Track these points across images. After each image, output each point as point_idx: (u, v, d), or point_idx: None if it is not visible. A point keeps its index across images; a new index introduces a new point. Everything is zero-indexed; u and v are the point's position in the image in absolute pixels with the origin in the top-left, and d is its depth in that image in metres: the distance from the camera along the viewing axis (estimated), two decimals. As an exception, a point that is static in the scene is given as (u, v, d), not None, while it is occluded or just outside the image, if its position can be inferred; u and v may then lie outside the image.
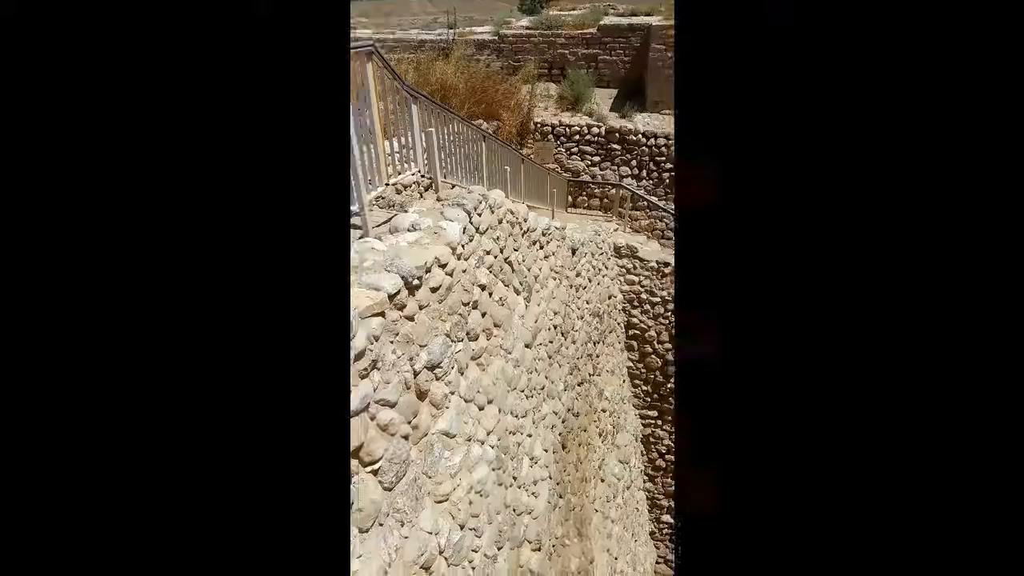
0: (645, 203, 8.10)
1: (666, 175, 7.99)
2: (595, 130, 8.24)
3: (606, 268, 7.09)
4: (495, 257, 3.53)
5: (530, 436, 3.93)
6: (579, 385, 5.68)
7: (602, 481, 6.29)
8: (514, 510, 3.49)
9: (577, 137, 8.36)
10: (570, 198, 8.49)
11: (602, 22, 8.99)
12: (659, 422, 8.00)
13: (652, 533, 8.44)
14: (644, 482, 8.27)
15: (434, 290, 2.71)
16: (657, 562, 8.56)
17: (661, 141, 7.94)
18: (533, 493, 3.87)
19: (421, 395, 2.58)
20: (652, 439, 8.10)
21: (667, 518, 8.35)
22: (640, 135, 8.04)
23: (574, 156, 8.43)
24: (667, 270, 7.37)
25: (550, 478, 4.25)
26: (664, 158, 7.95)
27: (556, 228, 5.02)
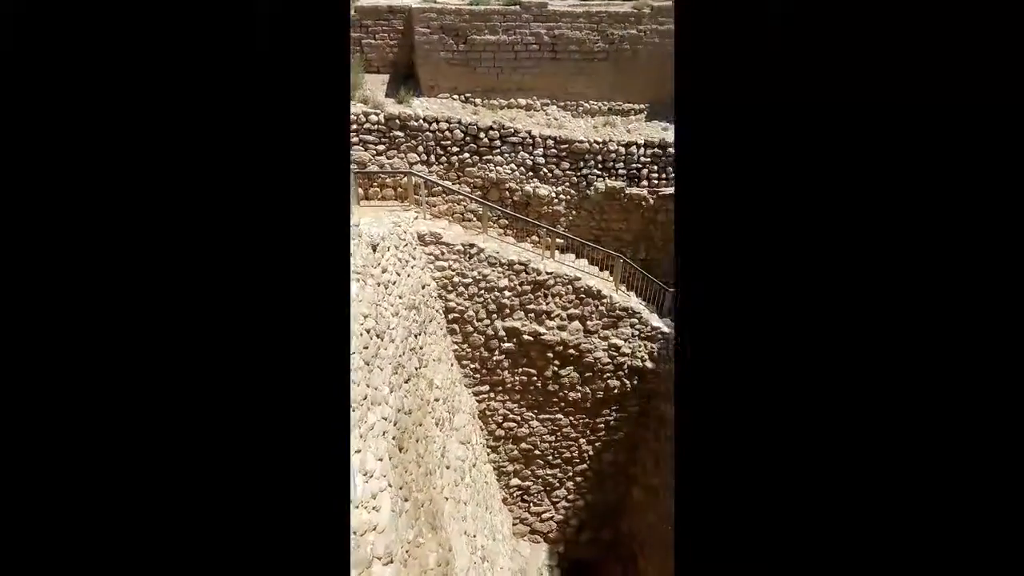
0: (440, 188, 8.16)
1: (455, 159, 8.14)
2: (374, 117, 7.93)
3: (413, 259, 6.99)
4: (277, 271, 3.14)
5: (359, 452, 3.70)
6: (406, 382, 5.55)
7: (447, 468, 6.33)
8: (355, 532, 3.27)
9: (356, 126, 7.94)
10: (361, 191, 8.10)
11: (359, 3, 8.60)
12: (492, 394, 8.35)
13: (504, 499, 8.88)
14: (488, 454, 8.61)
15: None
16: (514, 523, 9.08)
17: (444, 126, 8.02)
18: (374, 508, 3.68)
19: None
20: (488, 412, 8.44)
21: (516, 481, 8.87)
22: (421, 120, 8.00)
23: (356, 147, 8.02)
24: (472, 251, 7.60)
25: (390, 486, 4.09)
26: (449, 142, 8.07)
27: (351, 225, 4.72)
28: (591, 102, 8.46)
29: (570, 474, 8.93)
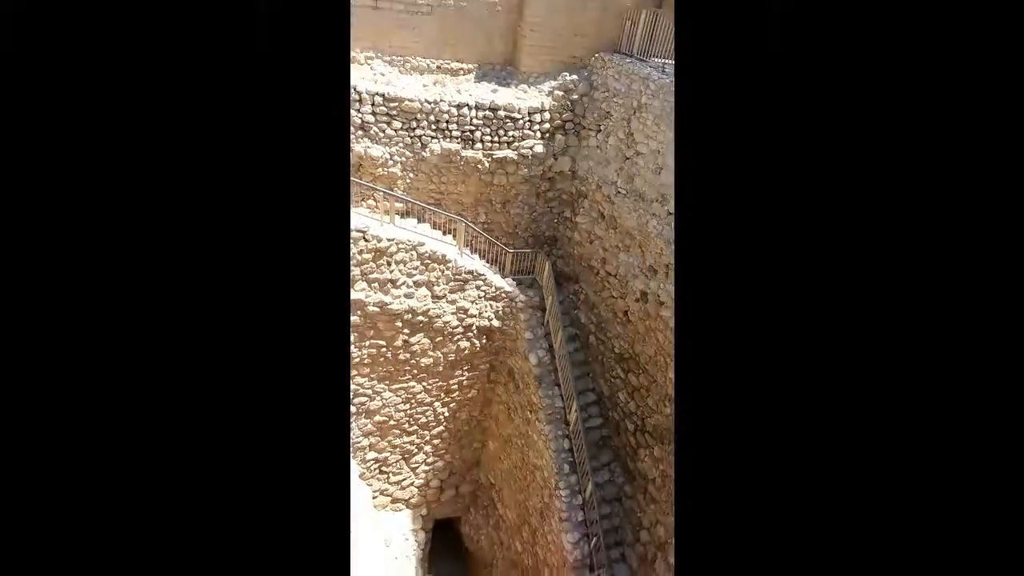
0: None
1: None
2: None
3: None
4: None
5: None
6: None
7: (298, 458, 5.86)
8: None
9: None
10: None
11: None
12: (338, 373, 7.88)
13: (362, 475, 8.62)
14: (341, 434, 8.20)
15: None
16: (374, 496, 8.91)
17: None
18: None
19: None
20: (336, 391, 7.97)
21: (372, 455, 8.63)
22: (222, 68, 6.82)
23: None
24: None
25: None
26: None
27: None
28: (418, 58, 8.10)
29: (427, 438, 9.01)
